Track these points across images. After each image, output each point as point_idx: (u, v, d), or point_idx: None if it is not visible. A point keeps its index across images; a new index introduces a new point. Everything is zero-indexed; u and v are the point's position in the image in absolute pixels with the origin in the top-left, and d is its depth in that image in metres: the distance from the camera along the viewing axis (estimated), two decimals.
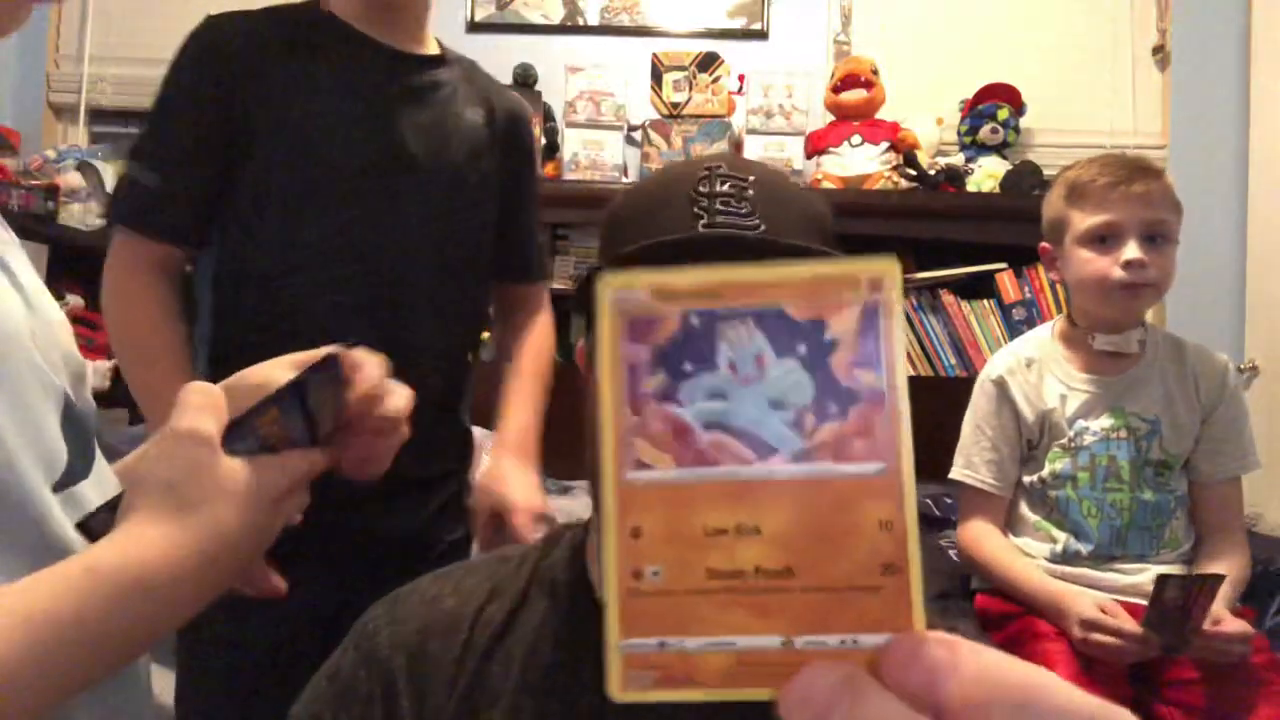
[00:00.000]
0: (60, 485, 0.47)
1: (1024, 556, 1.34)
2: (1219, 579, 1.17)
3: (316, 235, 1.03)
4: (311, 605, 0.99)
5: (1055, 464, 1.36)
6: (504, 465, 1.09)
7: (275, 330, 1.02)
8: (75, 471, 0.48)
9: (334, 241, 1.04)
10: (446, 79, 1.13)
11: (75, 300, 2.24)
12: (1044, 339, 1.45)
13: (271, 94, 1.03)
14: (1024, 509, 1.39)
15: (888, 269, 0.26)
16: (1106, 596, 1.25)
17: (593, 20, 2.56)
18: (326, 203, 1.04)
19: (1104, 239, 1.32)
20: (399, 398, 0.55)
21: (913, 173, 2.20)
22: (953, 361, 2.14)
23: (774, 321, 0.27)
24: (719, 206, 0.57)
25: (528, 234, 1.26)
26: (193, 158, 1.04)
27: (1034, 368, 1.40)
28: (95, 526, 0.47)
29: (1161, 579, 1.15)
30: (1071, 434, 1.35)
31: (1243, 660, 1.20)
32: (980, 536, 1.37)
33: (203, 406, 0.47)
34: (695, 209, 0.57)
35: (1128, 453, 1.33)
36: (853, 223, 2.11)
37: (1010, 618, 1.33)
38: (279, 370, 0.53)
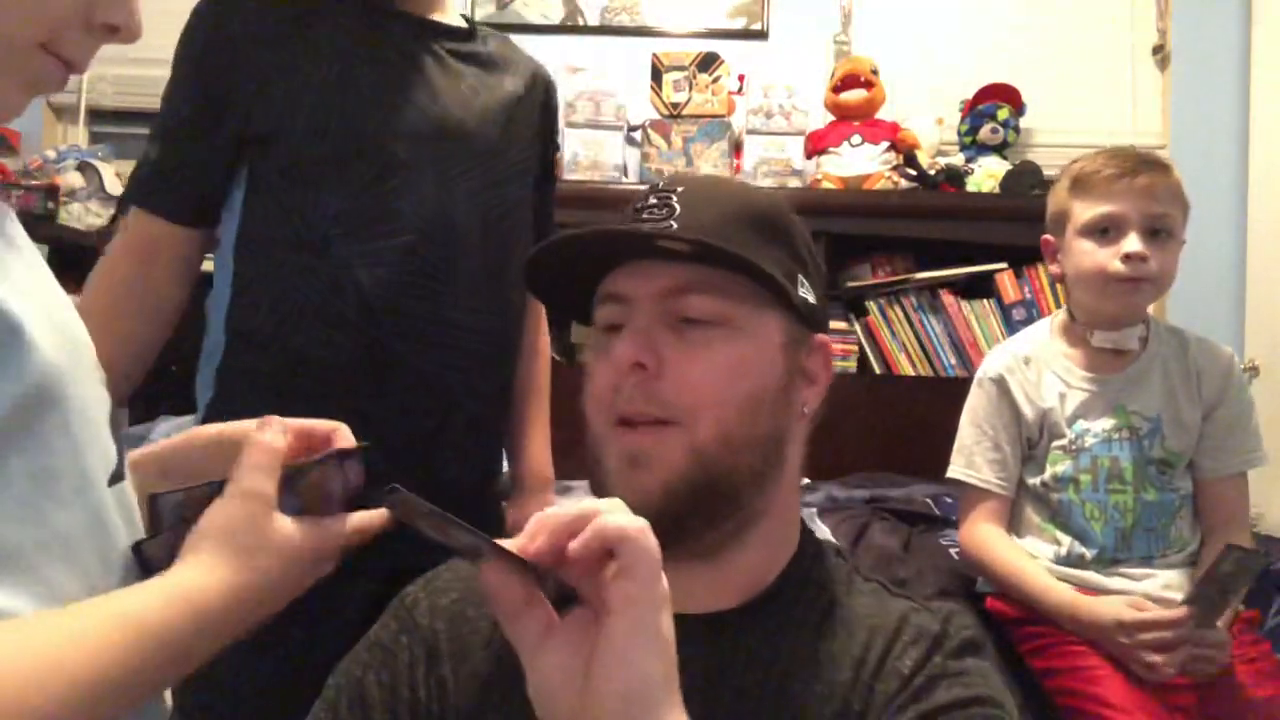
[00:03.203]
0: (111, 481, 0.53)
1: (1035, 562, 1.32)
2: (1264, 558, 1.14)
3: (354, 204, 0.99)
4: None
5: (1056, 466, 1.33)
6: (532, 505, 1.09)
7: (312, 303, 0.98)
8: (121, 469, 0.54)
9: (373, 212, 1.00)
10: (482, 49, 1.12)
11: (75, 300, 2.24)
12: (1042, 336, 1.41)
13: (289, 63, 1.00)
14: (1028, 510, 1.37)
15: None
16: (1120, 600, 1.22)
17: (592, 20, 2.56)
18: (364, 171, 1.00)
19: (1105, 231, 1.29)
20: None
21: (913, 173, 2.20)
22: (952, 361, 2.14)
23: None
24: (643, 216, 0.66)
25: (547, 217, 1.22)
26: (192, 133, 1.02)
27: (1032, 366, 1.37)
28: (148, 551, 0.55)
29: (1228, 548, 1.12)
30: (1072, 435, 1.33)
31: (1222, 672, 1.18)
32: (987, 539, 1.35)
33: (262, 466, 0.56)
34: (629, 222, 0.67)
35: (1130, 453, 1.30)
36: (853, 223, 2.12)
37: (1023, 622, 1.31)
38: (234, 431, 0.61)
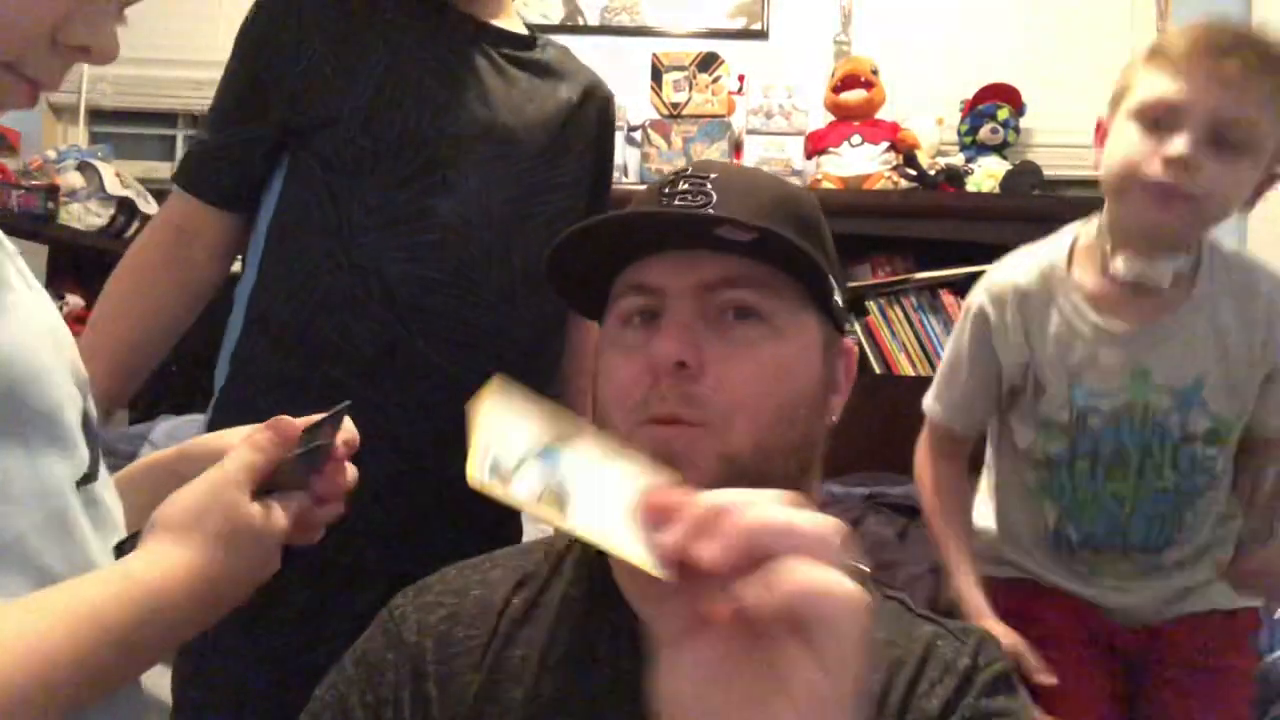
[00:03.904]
0: (80, 483, 0.52)
1: (963, 547, 1.18)
2: None
3: (391, 198, 0.99)
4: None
5: (1051, 445, 1.14)
6: None
7: (333, 291, 0.98)
8: (93, 472, 0.53)
9: (409, 207, 0.99)
10: (541, 56, 1.12)
11: (75, 301, 2.24)
12: (1058, 260, 1.13)
13: (342, 55, 1.00)
14: (1024, 474, 1.19)
15: None
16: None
17: (592, 20, 2.56)
18: (405, 166, 0.99)
19: (1159, 122, 0.99)
20: (352, 473, 0.61)
21: (913, 173, 2.20)
22: None
23: None
24: (676, 202, 0.61)
25: None
26: (237, 118, 1.03)
27: (1030, 302, 1.12)
28: (127, 549, 0.53)
29: None
30: (1077, 410, 1.11)
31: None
32: (940, 484, 1.22)
33: (247, 462, 0.54)
34: (658, 204, 0.62)
35: (1138, 439, 1.09)
36: (853, 223, 2.11)
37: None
38: (233, 438, 0.59)
